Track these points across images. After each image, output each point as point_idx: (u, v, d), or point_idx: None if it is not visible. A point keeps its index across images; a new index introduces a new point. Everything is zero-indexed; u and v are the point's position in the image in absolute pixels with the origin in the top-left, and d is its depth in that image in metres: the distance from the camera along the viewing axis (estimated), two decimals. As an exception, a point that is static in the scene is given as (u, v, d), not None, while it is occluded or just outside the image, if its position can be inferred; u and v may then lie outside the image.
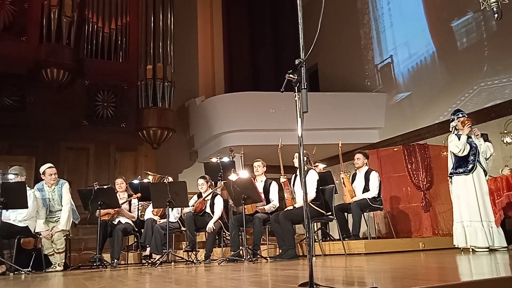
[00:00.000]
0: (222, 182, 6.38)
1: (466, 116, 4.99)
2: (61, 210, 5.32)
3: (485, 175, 4.83)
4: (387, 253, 5.36)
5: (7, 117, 8.40)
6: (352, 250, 5.42)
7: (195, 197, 6.13)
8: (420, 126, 8.87)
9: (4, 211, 4.82)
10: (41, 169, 5.41)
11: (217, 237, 6.04)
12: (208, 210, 5.91)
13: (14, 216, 5.06)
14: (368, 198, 5.80)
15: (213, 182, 6.40)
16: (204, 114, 10.32)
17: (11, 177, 5.18)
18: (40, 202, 5.26)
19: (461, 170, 4.82)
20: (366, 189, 5.92)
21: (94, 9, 9.55)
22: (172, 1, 10.34)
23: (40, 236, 5.19)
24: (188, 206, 5.82)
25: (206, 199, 5.95)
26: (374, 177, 5.91)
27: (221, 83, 11.89)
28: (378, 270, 3.14)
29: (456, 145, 4.84)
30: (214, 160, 7.24)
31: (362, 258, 4.71)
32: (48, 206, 5.32)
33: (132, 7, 10.01)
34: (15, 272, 4.79)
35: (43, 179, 5.39)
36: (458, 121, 4.93)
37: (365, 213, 5.98)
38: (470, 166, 4.79)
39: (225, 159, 7.22)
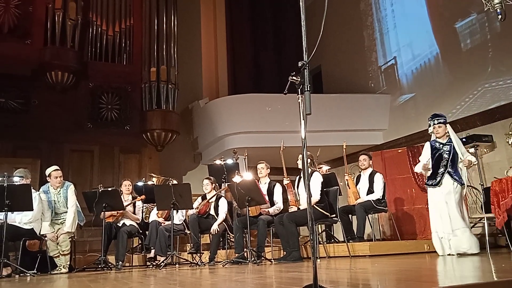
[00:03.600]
0: (226, 184, 6.39)
1: (442, 122, 4.82)
2: (66, 212, 5.35)
3: (462, 186, 4.68)
4: (391, 255, 5.35)
5: (12, 119, 8.45)
6: (357, 252, 5.41)
7: (199, 199, 6.14)
8: (424, 128, 8.79)
9: (9, 213, 4.84)
10: (47, 172, 5.44)
11: (221, 239, 6.05)
12: (212, 212, 5.92)
13: (19, 219, 5.08)
14: (372, 200, 5.79)
15: (217, 184, 6.41)
16: (208, 116, 10.34)
17: (16, 180, 5.21)
18: (45, 205, 5.28)
19: (429, 182, 4.80)
20: (370, 190, 5.92)
21: (98, 12, 9.59)
22: (176, 3, 10.37)
23: (46, 238, 5.21)
24: (192, 208, 5.83)
25: (210, 201, 5.96)
26: (379, 178, 5.90)
27: (225, 85, 11.91)
28: (382, 272, 3.14)
29: (420, 158, 4.91)
30: (218, 162, 7.26)
31: (367, 260, 4.70)
32: (54, 208, 5.34)
33: (136, 10, 10.05)
34: (21, 274, 4.81)
35: (49, 182, 5.41)
36: (434, 129, 4.84)
37: (369, 215, 5.97)
38: (438, 179, 4.71)
39: (229, 161, 7.23)
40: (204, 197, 6.10)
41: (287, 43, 12.65)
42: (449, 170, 4.69)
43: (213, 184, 6.11)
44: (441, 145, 4.78)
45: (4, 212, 4.77)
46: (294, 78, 2.30)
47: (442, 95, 8.60)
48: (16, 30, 8.89)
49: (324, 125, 9.00)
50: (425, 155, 4.84)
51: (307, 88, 2.24)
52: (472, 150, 7.21)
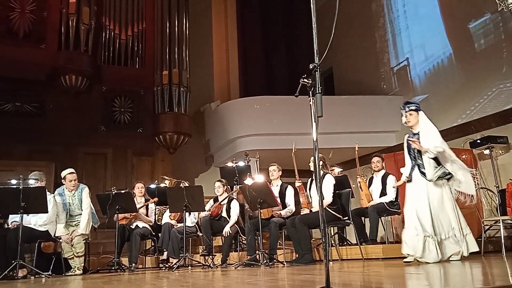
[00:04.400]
0: (238, 186, 6.40)
1: (414, 109, 4.34)
2: (81, 214, 5.41)
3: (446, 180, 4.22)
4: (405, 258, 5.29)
5: (27, 123, 8.58)
6: (370, 254, 5.37)
7: (211, 201, 6.16)
8: (437, 129, 8.75)
9: (25, 215, 4.92)
10: (62, 174, 5.51)
11: (233, 242, 6.06)
12: (224, 214, 5.93)
13: (34, 221, 5.16)
14: (385, 202, 5.74)
15: (229, 187, 6.43)
16: (220, 119, 10.37)
17: (32, 182, 5.28)
18: (60, 207, 5.35)
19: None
20: (383, 193, 5.87)
21: (111, 16, 9.70)
22: (187, 7, 10.44)
23: (60, 240, 5.28)
24: (205, 211, 5.85)
25: (222, 203, 5.97)
26: (391, 181, 5.85)
27: (236, 88, 11.94)
28: (396, 275, 3.11)
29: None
30: (229, 164, 7.27)
31: (380, 263, 4.66)
32: (68, 211, 5.41)
33: (148, 13, 10.15)
34: (36, 276, 4.88)
35: (64, 184, 5.48)
36: (406, 117, 4.37)
37: (382, 217, 5.92)
38: (409, 174, 4.34)
39: (241, 164, 7.24)
40: (216, 199, 6.11)
41: (298, 45, 12.65)
42: (418, 162, 4.27)
43: (225, 187, 6.13)
44: (414, 136, 4.36)
45: (19, 214, 4.84)
46: (305, 80, 2.30)
47: (455, 96, 8.50)
48: (31, 35, 9.04)
49: (336, 127, 8.97)
50: (405, 151, 4.45)
51: (319, 90, 2.24)
52: (487, 151, 7.11)
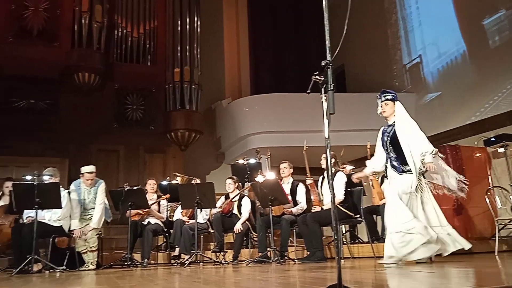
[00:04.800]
0: (249, 183, 6.41)
1: (390, 98, 4.08)
2: (92, 208, 5.47)
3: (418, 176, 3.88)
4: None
5: (41, 120, 8.70)
6: (381, 253, 5.31)
7: (223, 198, 6.19)
8: (451, 127, 8.66)
9: (39, 211, 4.99)
10: (82, 170, 5.55)
11: (244, 238, 6.07)
12: (235, 211, 5.95)
13: (49, 216, 5.24)
14: (397, 201, 5.69)
15: (240, 184, 6.45)
16: (231, 116, 10.39)
17: (46, 178, 5.36)
18: (74, 202, 5.41)
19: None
20: (395, 191, 5.82)
21: (123, 14, 9.77)
22: (199, 5, 10.47)
23: (74, 235, 5.35)
24: (216, 207, 5.88)
25: (233, 200, 5.99)
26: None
27: (247, 85, 11.95)
28: (408, 273, 3.09)
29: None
30: (240, 161, 7.29)
31: (392, 261, 4.62)
32: (83, 204, 5.47)
33: (160, 11, 10.20)
34: (50, 270, 4.95)
35: (81, 178, 5.54)
36: (381, 107, 4.09)
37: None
38: (385, 168, 4.08)
39: (252, 161, 7.25)
40: (227, 196, 6.14)
41: (309, 42, 12.61)
42: (391, 155, 4.00)
43: (236, 184, 6.15)
44: (388, 127, 4.10)
45: (34, 210, 4.91)
46: (317, 77, 2.29)
47: (469, 94, 8.40)
48: (44, 34, 9.15)
49: (348, 124, 8.93)
50: (378, 143, 4.18)
51: (331, 87, 2.23)
52: (501, 150, 7.01)
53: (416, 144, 3.92)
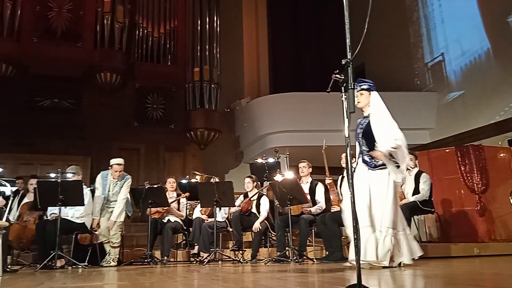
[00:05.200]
0: (268, 182, 6.41)
1: (365, 88, 3.82)
2: (115, 201, 5.55)
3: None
4: (438, 258, 5.17)
5: (64, 118, 8.89)
6: (401, 254, 5.26)
7: (241, 197, 6.20)
8: (474, 127, 8.49)
9: (62, 208, 5.10)
10: (111, 162, 5.66)
11: (263, 237, 6.08)
12: (254, 210, 5.96)
13: (71, 213, 5.35)
14: (418, 201, 5.62)
15: (258, 183, 6.45)
16: (250, 115, 10.42)
17: (69, 176, 5.47)
18: (98, 200, 5.48)
19: None
20: (416, 191, 5.75)
21: (144, 14, 9.90)
22: (218, 4, 10.52)
23: (96, 233, 5.45)
24: (235, 206, 5.90)
25: (252, 199, 6.00)
26: (425, 179, 5.72)
27: (266, 85, 11.96)
28: (428, 275, 3.05)
29: None
30: (259, 160, 7.29)
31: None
32: (107, 195, 5.55)
33: (180, 11, 10.29)
34: (73, 266, 5.06)
35: (109, 170, 5.64)
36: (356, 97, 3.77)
37: (415, 216, 5.80)
38: (356, 162, 3.83)
39: (271, 160, 7.25)
40: (246, 195, 6.15)
41: (328, 41, 12.52)
42: (362, 149, 3.78)
43: (255, 183, 6.16)
44: (363, 119, 3.85)
45: (58, 207, 5.02)
46: (337, 76, 2.28)
47: (493, 93, 8.22)
48: (68, 34, 9.34)
49: (368, 123, 8.82)
50: (354, 137, 3.90)
51: (351, 86, 2.22)
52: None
53: (384, 135, 3.65)
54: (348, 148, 2.18)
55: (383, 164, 3.67)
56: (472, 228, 6.22)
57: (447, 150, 6.93)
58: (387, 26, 10.74)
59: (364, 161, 3.76)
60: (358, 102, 3.80)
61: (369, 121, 3.77)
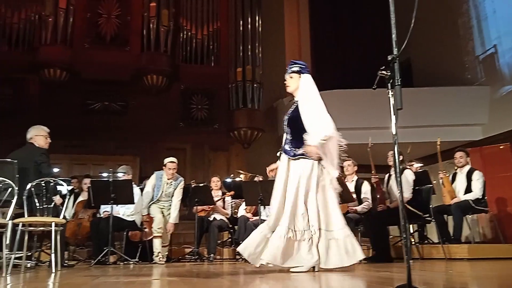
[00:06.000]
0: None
1: (296, 70, 3.50)
2: (167, 201, 5.68)
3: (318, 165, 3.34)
4: (493, 259, 4.95)
5: (114, 120, 9.27)
6: (453, 254, 5.09)
7: (286, 195, 6.20)
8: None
9: (114, 206, 5.32)
10: (165, 161, 5.81)
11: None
12: (298, 209, 5.94)
13: (123, 211, 5.58)
14: (470, 200, 5.40)
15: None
16: (293, 114, 10.37)
17: (120, 175, 5.70)
18: (146, 196, 5.63)
19: None
20: (468, 190, 5.52)
21: (187, 17, 10.13)
22: (260, 4, 10.56)
23: (146, 230, 5.64)
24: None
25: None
26: (478, 177, 5.48)
27: (309, 83, 11.86)
28: (483, 276, 2.93)
29: None
30: (303, 159, 7.25)
31: (465, 263, 4.41)
32: (158, 195, 5.67)
33: (222, 13, 10.44)
34: (125, 262, 5.27)
35: (163, 170, 5.78)
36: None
37: (467, 216, 5.58)
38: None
39: (314, 158, 7.18)
40: (290, 194, 6.14)
41: (372, 36, 12.24)
42: (287, 137, 3.52)
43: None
44: (294, 104, 3.55)
45: (110, 205, 5.25)
46: (383, 72, 2.24)
47: (552, 85, 7.73)
48: (116, 39, 9.72)
49: (415, 120, 8.56)
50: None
51: (398, 82, 2.18)
52: None
53: (312, 125, 3.37)
54: (396, 146, 2.14)
55: (302, 154, 3.37)
56: (530, 228, 5.91)
57: (501, 147, 6.61)
58: (434, 19, 10.35)
59: (284, 150, 3.49)
60: (287, 86, 3.54)
61: (296, 107, 3.48)
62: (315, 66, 12.10)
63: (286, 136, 3.55)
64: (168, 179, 5.68)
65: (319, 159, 3.37)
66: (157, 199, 5.65)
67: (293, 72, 3.51)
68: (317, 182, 3.36)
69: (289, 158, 3.45)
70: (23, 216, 3.83)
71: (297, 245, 3.30)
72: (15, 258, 3.69)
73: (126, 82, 9.41)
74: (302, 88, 3.49)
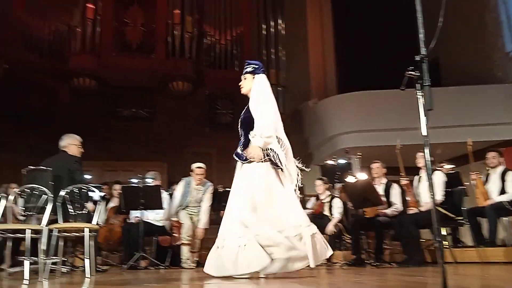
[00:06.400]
0: (341, 184, 6.32)
1: (249, 71, 3.39)
2: (196, 207, 5.71)
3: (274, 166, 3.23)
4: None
5: (142, 127, 9.45)
6: (489, 258, 4.93)
7: (313, 199, 6.17)
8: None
9: (144, 211, 5.41)
10: (192, 166, 5.85)
11: (337, 240, 6.00)
12: (326, 212, 5.90)
13: (152, 216, 5.65)
14: (505, 201, 5.22)
15: (330, 185, 6.38)
16: (318, 117, 10.33)
17: (149, 181, 5.78)
18: (176, 200, 5.66)
19: None
20: (502, 191, 5.34)
21: (211, 23, 10.24)
22: (283, 8, 10.58)
23: (175, 235, 5.69)
24: (306, 209, 5.88)
25: (324, 201, 5.95)
26: (512, 177, 5.30)
27: (333, 85, 11.78)
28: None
29: None
30: (330, 162, 7.21)
31: (501, 267, 4.27)
32: (187, 201, 5.70)
33: (245, 17, 10.50)
34: (155, 267, 5.34)
35: (191, 176, 5.81)
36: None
37: (502, 218, 5.40)
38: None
39: (341, 161, 7.14)
40: (317, 197, 6.11)
41: (397, 37, 12.05)
42: (240, 139, 3.40)
43: (326, 185, 6.09)
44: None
45: (140, 210, 5.33)
46: (411, 72, 2.21)
47: None
48: (142, 46, 9.93)
49: (445, 120, 8.37)
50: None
51: (427, 82, 2.14)
52: None
53: (257, 126, 3.21)
54: (427, 148, 2.10)
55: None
56: None
57: (536, 146, 6.37)
58: (462, 16, 10.12)
59: (236, 154, 3.38)
60: (242, 87, 3.41)
61: (247, 108, 3.34)
62: (338, 68, 12.02)
63: (241, 139, 3.43)
64: (196, 185, 5.70)
65: (263, 161, 3.26)
66: (186, 205, 5.67)
67: (247, 73, 3.41)
68: (265, 184, 3.27)
69: (242, 163, 3.35)
70: (58, 222, 3.93)
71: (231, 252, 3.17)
72: (51, 264, 3.79)
73: (152, 89, 9.59)
74: (255, 88, 3.37)
